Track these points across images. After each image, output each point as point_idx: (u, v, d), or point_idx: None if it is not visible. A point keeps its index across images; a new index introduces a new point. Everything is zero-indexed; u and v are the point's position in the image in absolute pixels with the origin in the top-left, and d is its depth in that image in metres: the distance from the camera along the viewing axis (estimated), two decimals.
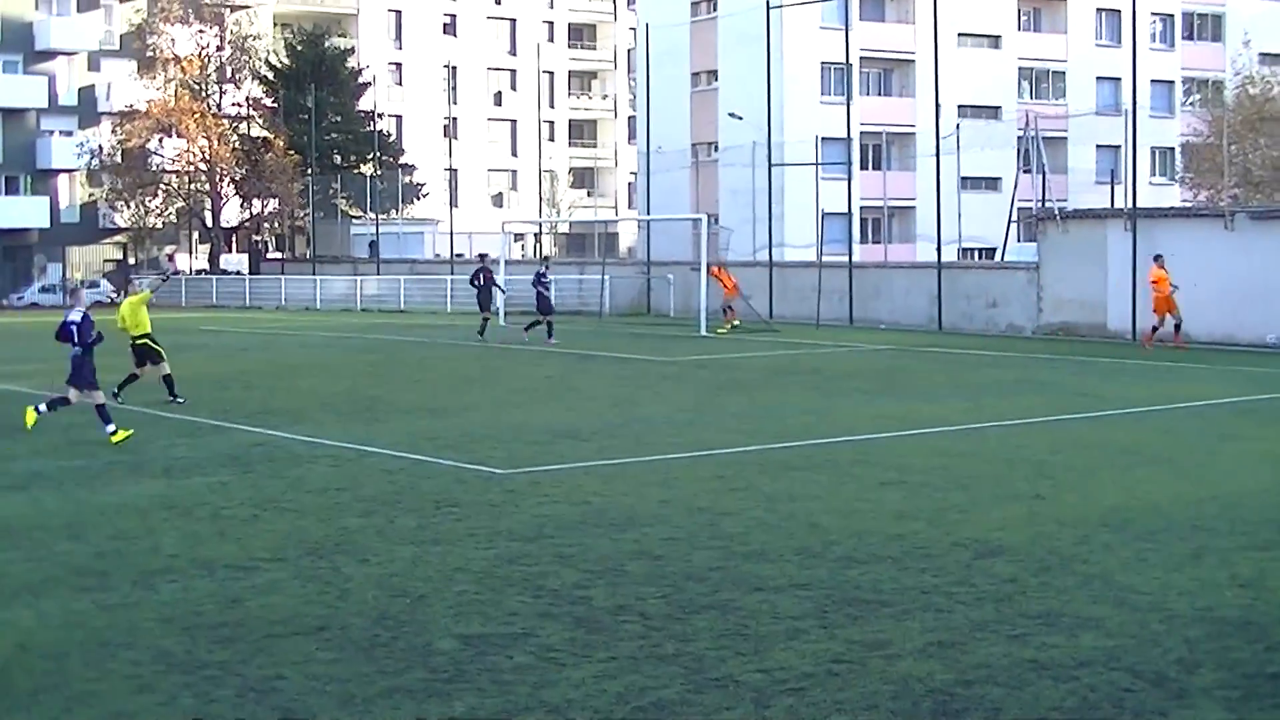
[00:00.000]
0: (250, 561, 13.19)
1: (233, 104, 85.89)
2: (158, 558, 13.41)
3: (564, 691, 9.29)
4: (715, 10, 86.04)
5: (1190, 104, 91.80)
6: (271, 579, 12.49)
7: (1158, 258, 40.16)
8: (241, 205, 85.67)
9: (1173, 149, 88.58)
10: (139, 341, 26.81)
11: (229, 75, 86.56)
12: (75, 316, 21.90)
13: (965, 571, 12.63)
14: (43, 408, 22.26)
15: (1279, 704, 9.10)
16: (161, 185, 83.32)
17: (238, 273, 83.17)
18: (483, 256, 50.58)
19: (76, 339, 21.75)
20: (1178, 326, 39.97)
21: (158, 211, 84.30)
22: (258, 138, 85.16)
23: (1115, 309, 44.83)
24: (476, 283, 45.71)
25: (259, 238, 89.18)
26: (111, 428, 21.19)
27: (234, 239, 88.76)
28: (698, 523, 14.89)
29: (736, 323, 48.87)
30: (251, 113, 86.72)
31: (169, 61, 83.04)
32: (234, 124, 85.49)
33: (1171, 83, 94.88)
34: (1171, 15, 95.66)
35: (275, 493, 16.91)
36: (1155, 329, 40.21)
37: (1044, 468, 18.68)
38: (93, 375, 21.86)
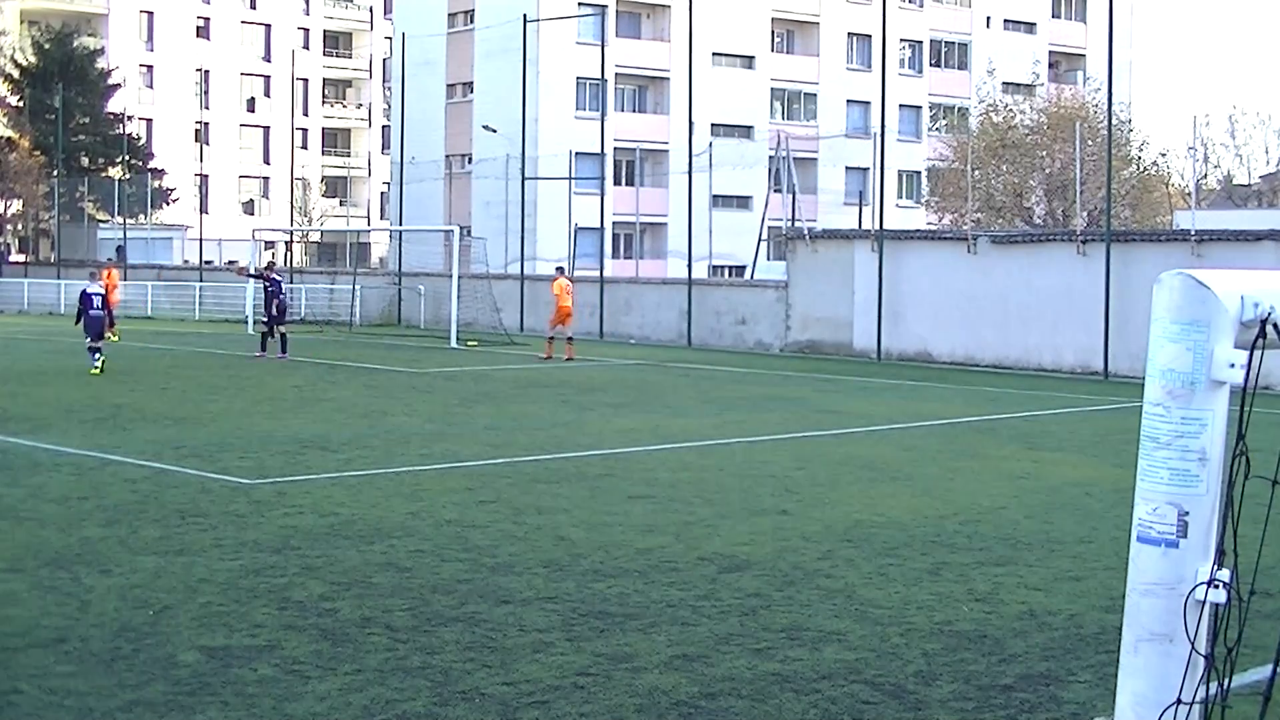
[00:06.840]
0: None
1: None
2: None
3: (309, 705, 9.21)
4: (472, 22, 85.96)
5: (936, 129, 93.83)
6: (8, 590, 12.18)
7: (560, 270, 43.45)
8: None
9: (919, 172, 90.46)
10: None
11: None
12: None
13: (711, 585, 12.77)
14: None
15: (1010, 714, 9.33)
16: None
17: None
18: (270, 265, 47.32)
19: None
20: (570, 339, 43.26)
21: None
22: (2, 137, 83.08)
23: (861, 328, 45.67)
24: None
25: (1, 239, 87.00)
26: None
27: None
28: (446, 535, 14.86)
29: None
30: None
31: None
32: None
33: (919, 108, 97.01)
34: (920, 42, 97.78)
35: (13, 501, 16.49)
36: (553, 339, 43.38)
37: (789, 483, 18.95)
38: None
